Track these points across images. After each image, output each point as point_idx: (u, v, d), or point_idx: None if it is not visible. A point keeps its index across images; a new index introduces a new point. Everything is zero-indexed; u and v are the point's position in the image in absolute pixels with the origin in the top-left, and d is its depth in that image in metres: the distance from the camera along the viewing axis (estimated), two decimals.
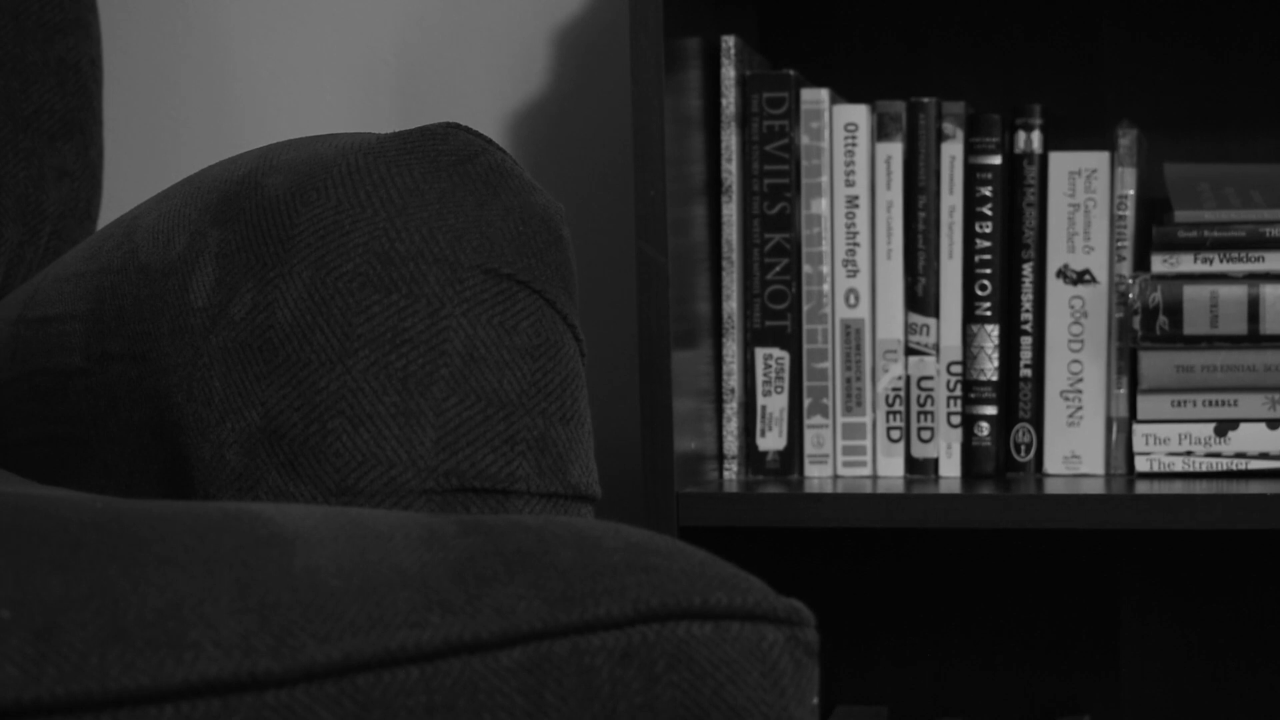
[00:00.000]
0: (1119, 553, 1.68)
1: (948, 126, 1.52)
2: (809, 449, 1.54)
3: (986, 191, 1.52)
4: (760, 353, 1.53)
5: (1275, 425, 1.46)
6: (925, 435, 1.53)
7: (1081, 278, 1.52)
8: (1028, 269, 1.53)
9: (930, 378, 1.53)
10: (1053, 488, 1.41)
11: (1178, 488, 1.39)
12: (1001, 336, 1.53)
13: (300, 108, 1.82)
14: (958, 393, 1.53)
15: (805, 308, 1.53)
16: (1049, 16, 1.66)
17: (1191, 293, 1.46)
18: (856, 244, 1.53)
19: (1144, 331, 1.46)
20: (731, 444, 1.52)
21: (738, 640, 0.81)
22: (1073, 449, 1.52)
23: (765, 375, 1.53)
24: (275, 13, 1.83)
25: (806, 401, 1.53)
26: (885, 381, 1.53)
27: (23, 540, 0.77)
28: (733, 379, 1.52)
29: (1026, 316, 1.53)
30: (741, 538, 1.60)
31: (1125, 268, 1.51)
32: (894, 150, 1.52)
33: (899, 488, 1.43)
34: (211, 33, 1.84)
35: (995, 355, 1.53)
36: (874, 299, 1.53)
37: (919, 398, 1.53)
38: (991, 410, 1.53)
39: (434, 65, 1.80)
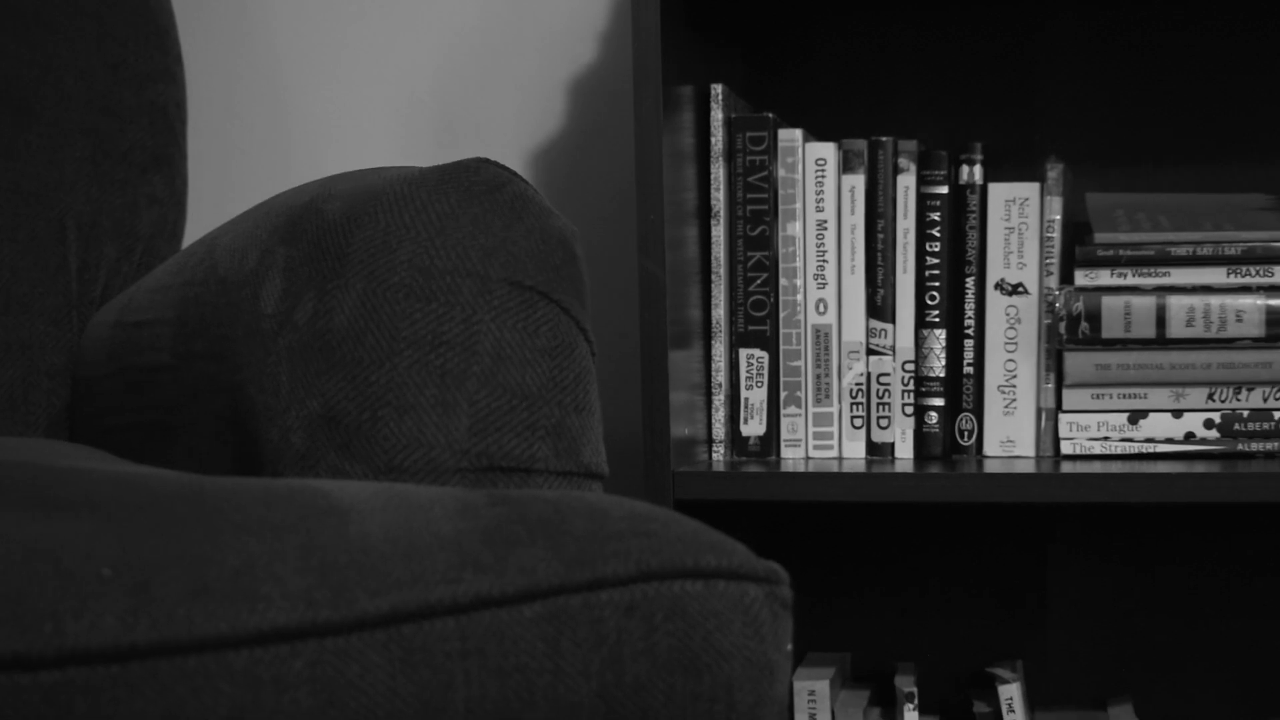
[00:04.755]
0: (1048, 522, 1.68)
1: (903, 161, 1.52)
2: (785, 434, 1.54)
3: (936, 216, 1.52)
4: (744, 353, 1.53)
5: (1179, 415, 1.47)
6: (883, 423, 1.53)
7: (1016, 289, 1.52)
8: (970, 282, 1.53)
9: (888, 374, 1.53)
10: (991, 467, 1.41)
11: (1097, 467, 1.39)
12: (948, 339, 1.53)
13: (349, 142, 1.83)
14: (911, 387, 1.53)
15: (782, 315, 1.53)
16: (990, 69, 1.67)
17: (1109, 302, 1.46)
18: (825, 261, 1.53)
19: (1068, 335, 1.47)
20: (719, 430, 1.52)
21: (724, 596, 0.81)
22: (1008, 435, 1.52)
23: (748, 372, 1.53)
24: (329, 59, 1.83)
25: (783, 394, 1.54)
26: (849, 377, 1.53)
27: (121, 510, 0.78)
28: (720, 375, 1.52)
29: (969, 322, 1.53)
30: (728, 509, 1.60)
31: (1053, 281, 1.51)
32: (857, 181, 1.53)
33: (861, 468, 1.44)
34: (274, 80, 1.84)
35: (943, 355, 1.53)
36: (840, 307, 1.53)
37: (878, 391, 1.53)
38: (939, 402, 1.53)
39: (467, 108, 1.80)
